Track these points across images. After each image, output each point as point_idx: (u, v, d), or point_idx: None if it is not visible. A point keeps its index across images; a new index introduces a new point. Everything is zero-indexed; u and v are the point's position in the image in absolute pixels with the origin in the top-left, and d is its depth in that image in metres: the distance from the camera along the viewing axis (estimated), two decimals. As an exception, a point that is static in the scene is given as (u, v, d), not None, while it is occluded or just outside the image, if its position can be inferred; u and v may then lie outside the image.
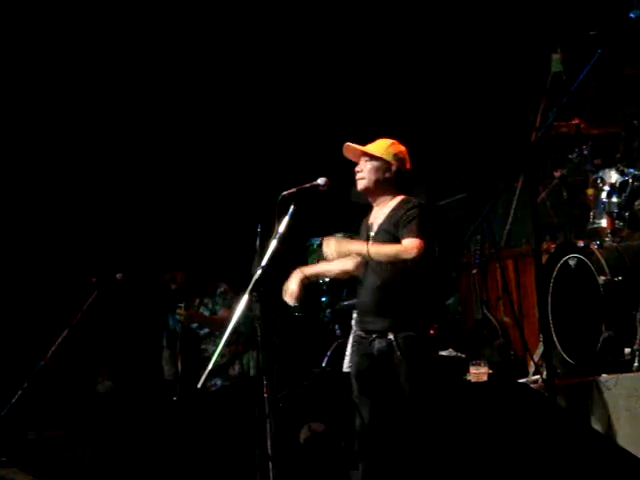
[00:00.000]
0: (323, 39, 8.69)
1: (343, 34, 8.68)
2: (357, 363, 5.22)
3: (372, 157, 5.19)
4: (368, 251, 5.06)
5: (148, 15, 8.51)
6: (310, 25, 8.70)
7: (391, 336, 5.04)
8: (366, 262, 5.16)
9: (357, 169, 5.24)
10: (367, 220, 5.31)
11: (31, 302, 8.04)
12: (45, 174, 8.37)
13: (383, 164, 5.18)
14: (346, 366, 5.48)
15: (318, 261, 7.68)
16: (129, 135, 8.62)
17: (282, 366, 6.35)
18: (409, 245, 5.07)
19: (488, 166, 8.56)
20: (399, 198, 5.22)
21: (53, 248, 8.29)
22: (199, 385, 4.95)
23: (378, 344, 5.09)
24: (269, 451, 4.79)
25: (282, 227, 4.99)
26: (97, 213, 8.48)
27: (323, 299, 7.28)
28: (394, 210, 5.17)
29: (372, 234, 5.19)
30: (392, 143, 5.27)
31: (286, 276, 5.33)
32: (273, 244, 4.93)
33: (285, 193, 5.09)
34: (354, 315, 5.97)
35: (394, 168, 5.19)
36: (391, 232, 5.11)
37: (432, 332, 5.11)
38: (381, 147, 5.24)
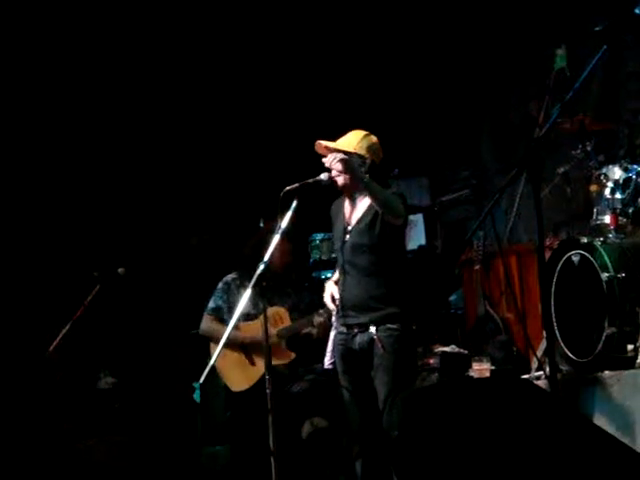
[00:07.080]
0: (320, 38, 8.72)
1: (336, 33, 8.71)
2: (341, 360, 5.18)
3: (346, 153, 5.12)
4: (366, 179, 4.98)
5: (146, 14, 8.51)
6: (307, 24, 8.72)
7: (373, 330, 5.02)
8: (347, 256, 5.13)
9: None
10: (342, 212, 5.26)
11: (33, 297, 8.04)
12: (46, 169, 8.37)
13: (357, 159, 5.13)
14: (327, 363, 5.45)
15: (320, 256, 7.71)
16: (132, 133, 8.62)
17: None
18: (399, 200, 5.06)
19: (490, 162, 8.59)
20: None
21: (55, 243, 8.29)
22: (201, 381, 4.95)
23: (359, 338, 5.07)
24: (271, 446, 4.79)
25: (285, 222, 4.99)
26: (99, 207, 8.48)
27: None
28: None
29: (350, 227, 5.16)
30: (365, 135, 5.21)
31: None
32: (275, 239, 4.93)
33: (288, 188, 5.08)
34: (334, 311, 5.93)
35: (368, 161, 5.15)
36: (372, 219, 5.08)
37: (414, 327, 5.07)
38: (354, 141, 5.17)
